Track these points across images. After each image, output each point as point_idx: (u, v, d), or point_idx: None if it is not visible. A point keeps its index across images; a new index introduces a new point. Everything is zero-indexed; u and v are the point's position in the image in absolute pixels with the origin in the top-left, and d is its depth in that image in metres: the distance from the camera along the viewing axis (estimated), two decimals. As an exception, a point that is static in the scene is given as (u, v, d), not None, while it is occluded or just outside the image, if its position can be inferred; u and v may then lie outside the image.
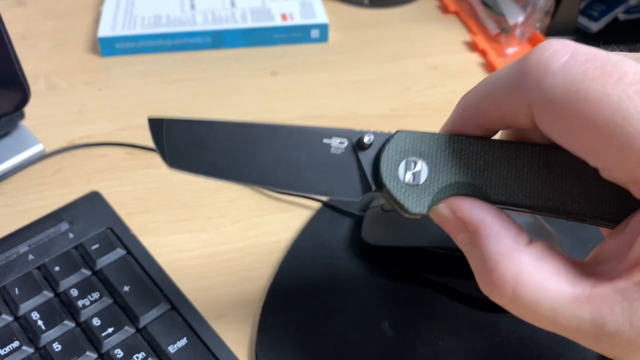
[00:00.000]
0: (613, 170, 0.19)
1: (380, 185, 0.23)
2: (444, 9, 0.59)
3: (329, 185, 0.24)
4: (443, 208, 0.22)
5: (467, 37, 0.56)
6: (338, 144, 0.24)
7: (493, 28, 0.55)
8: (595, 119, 0.18)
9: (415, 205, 0.22)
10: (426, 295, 0.33)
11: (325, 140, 0.24)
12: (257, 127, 0.24)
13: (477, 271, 0.21)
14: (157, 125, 0.24)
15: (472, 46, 0.54)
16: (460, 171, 0.22)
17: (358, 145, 0.23)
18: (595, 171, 0.20)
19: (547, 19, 0.54)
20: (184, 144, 0.24)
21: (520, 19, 0.52)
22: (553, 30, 0.54)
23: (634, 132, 0.18)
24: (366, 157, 0.23)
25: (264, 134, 0.24)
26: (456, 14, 0.59)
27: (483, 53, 0.53)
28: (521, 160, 0.22)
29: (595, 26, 0.55)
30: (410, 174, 0.22)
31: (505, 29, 0.53)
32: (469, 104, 0.23)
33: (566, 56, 0.19)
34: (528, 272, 0.20)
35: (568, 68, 0.19)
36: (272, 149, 0.24)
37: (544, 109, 0.19)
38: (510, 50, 0.52)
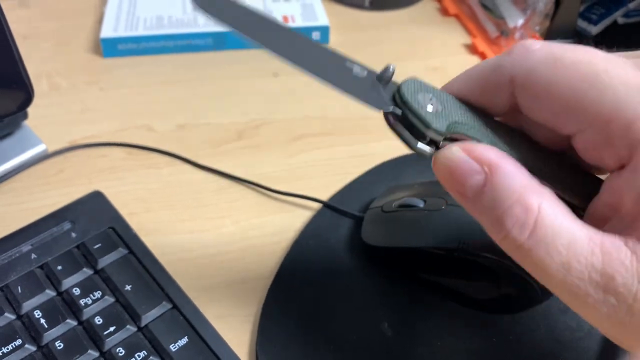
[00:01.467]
0: (587, 131, 0.21)
1: (400, 104, 0.23)
2: (444, 11, 0.60)
3: (353, 87, 0.23)
4: (457, 150, 0.22)
5: (467, 39, 0.56)
6: (360, 70, 0.24)
7: (493, 31, 0.55)
8: (572, 79, 0.21)
9: (436, 121, 0.22)
10: (425, 296, 0.33)
11: (348, 64, 0.24)
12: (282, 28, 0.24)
13: (491, 215, 0.21)
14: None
15: (472, 49, 0.55)
16: (467, 118, 0.24)
17: (379, 77, 0.24)
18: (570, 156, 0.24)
19: (547, 22, 0.54)
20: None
21: (520, 22, 0.53)
22: (552, 33, 0.54)
23: (604, 87, 0.21)
24: (387, 87, 0.24)
25: (289, 38, 0.24)
26: (456, 16, 0.59)
27: (483, 56, 0.53)
28: (513, 133, 0.24)
29: (594, 29, 0.55)
30: (429, 102, 0.23)
31: (505, 32, 0.54)
32: (451, 89, 0.25)
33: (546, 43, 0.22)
34: (549, 205, 0.20)
35: (548, 46, 0.22)
36: (298, 48, 0.24)
37: (526, 79, 0.22)
38: (510, 53, 0.53)
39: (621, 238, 0.20)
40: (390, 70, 0.24)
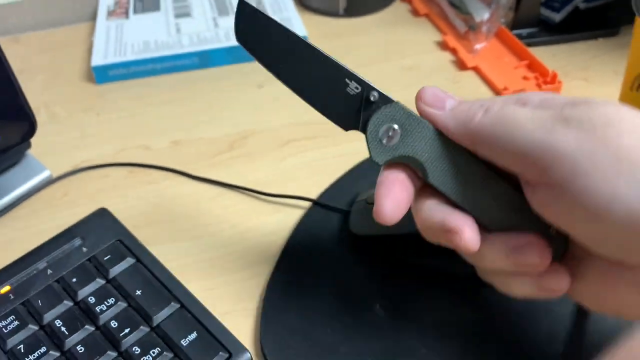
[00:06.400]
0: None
1: (364, 131, 0.28)
2: (415, 12, 0.63)
3: (332, 107, 0.29)
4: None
5: (438, 37, 0.59)
6: (354, 88, 0.29)
7: (461, 27, 0.58)
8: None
9: (377, 156, 0.28)
10: (412, 277, 0.36)
11: (347, 80, 0.29)
12: (306, 46, 0.29)
13: None
14: (242, 7, 0.30)
15: (444, 45, 0.58)
16: (419, 151, 0.28)
17: (366, 98, 0.28)
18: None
19: (512, 14, 0.57)
20: (254, 29, 0.30)
21: (486, 16, 0.56)
22: (518, 23, 0.57)
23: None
24: (367, 107, 0.29)
25: (308, 53, 0.29)
26: (427, 16, 0.62)
27: (454, 51, 0.56)
28: (467, 166, 0.27)
29: (557, 17, 0.58)
30: (386, 137, 0.28)
31: (472, 27, 0.57)
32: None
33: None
34: None
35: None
36: (309, 66, 0.29)
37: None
38: (479, 46, 0.56)
39: None
40: (371, 98, 0.28)
